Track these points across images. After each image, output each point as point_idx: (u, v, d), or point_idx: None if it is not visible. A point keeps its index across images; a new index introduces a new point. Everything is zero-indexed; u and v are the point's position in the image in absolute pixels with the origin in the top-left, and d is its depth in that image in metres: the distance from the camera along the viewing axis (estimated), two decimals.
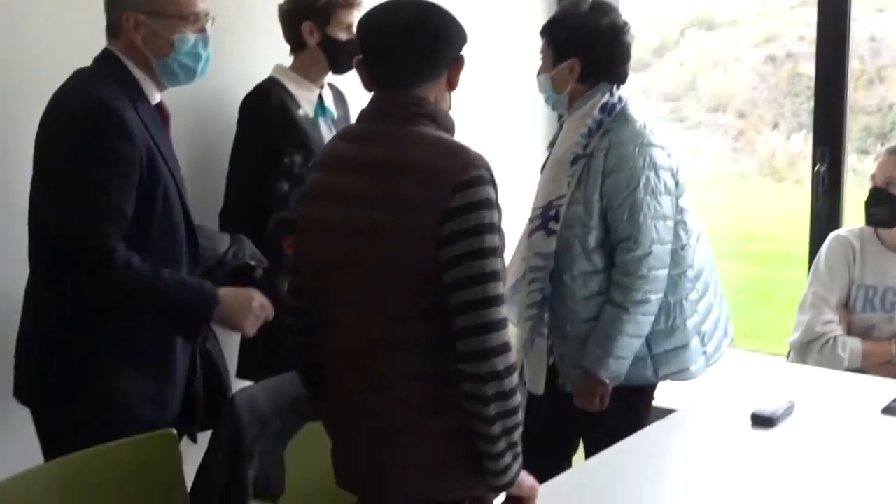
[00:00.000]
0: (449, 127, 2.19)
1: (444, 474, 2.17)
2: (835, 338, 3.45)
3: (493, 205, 2.07)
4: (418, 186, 2.05)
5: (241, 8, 3.52)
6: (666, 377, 3.07)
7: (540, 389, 3.05)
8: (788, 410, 2.88)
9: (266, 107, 3.28)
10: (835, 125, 4.25)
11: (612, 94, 2.97)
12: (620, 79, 3.04)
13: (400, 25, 2.15)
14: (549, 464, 2.84)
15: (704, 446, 2.73)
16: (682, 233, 3.00)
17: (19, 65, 2.92)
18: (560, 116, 3.22)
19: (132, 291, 2.46)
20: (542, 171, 3.16)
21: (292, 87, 3.32)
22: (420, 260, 2.05)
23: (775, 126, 9.67)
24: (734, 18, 10.47)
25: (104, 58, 2.57)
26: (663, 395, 3.30)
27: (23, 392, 2.64)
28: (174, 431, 2.54)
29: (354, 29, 3.24)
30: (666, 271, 2.93)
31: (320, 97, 3.38)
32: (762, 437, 2.76)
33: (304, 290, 2.28)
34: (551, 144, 3.18)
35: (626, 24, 3.02)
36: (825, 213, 4.26)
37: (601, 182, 2.90)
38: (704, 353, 3.10)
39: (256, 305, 2.63)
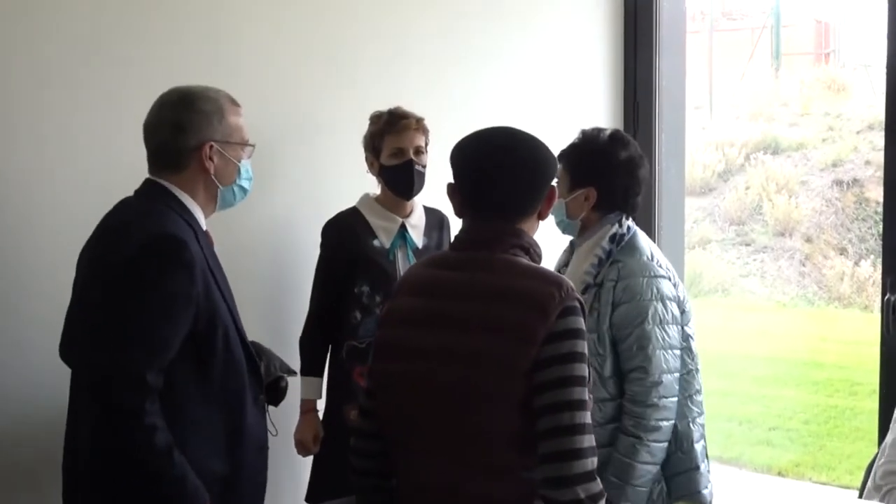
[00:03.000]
0: (537, 258, 2.21)
1: None
2: (892, 489, 3.36)
3: (584, 335, 2.08)
4: (525, 312, 2.06)
5: (335, 139, 3.59)
6: (679, 499, 3.02)
7: None
8: None
9: (337, 237, 3.32)
10: None
11: (620, 225, 3.02)
12: (632, 209, 3.09)
13: (506, 163, 2.18)
14: None
15: None
16: (687, 359, 3.01)
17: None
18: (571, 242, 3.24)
19: (141, 461, 2.35)
20: None
21: (371, 218, 3.35)
22: (518, 383, 2.04)
23: (842, 251, 9.59)
24: (800, 143, 10.50)
25: (154, 189, 2.51)
26: None
27: None
28: None
29: (412, 150, 3.32)
30: (676, 399, 2.94)
31: (403, 227, 3.40)
32: None
33: (379, 413, 2.25)
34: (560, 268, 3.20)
35: (642, 156, 3.10)
36: None
37: (611, 312, 2.93)
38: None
39: None
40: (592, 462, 2.02)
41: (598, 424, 2.92)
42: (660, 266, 2.97)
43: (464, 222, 2.22)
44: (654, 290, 2.92)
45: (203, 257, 2.44)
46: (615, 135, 3.08)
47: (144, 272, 2.35)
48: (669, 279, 2.97)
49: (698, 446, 3.00)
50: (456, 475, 2.12)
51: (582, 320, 2.07)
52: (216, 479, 2.46)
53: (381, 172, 3.31)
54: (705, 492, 3.02)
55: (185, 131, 2.47)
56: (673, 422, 2.92)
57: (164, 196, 2.48)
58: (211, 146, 2.47)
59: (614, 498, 2.86)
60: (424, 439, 2.16)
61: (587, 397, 2.04)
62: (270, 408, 2.87)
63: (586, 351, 2.07)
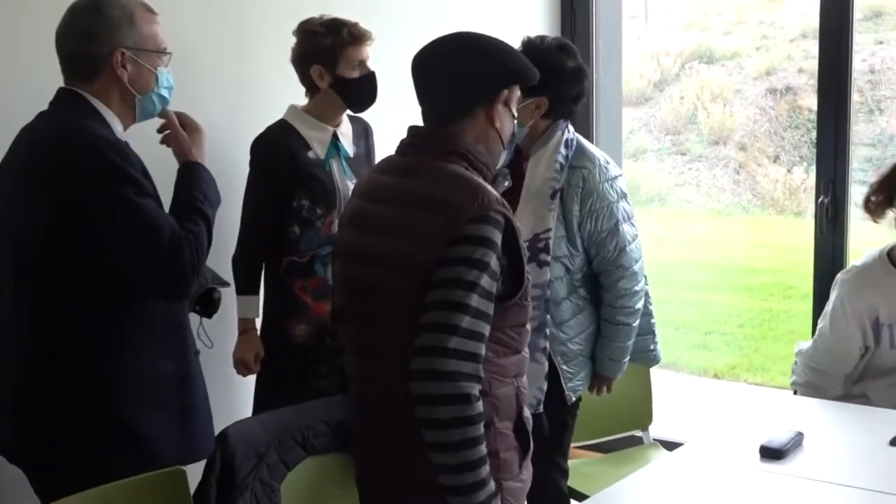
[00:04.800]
0: (482, 167, 2.22)
1: (429, 496, 2.14)
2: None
3: (492, 245, 2.08)
4: (439, 217, 2.11)
5: (259, 50, 3.56)
6: (635, 359, 3.38)
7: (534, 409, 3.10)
8: (797, 443, 2.85)
9: (272, 151, 3.28)
10: (838, 157, 4.25)
11: (568, 130, 3.17)
12: (572, 115, 3.26)
13: (432, 65, 2.23)
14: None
15: (713, 480, 2.70)
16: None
17: None
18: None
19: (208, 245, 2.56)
20: None
21: (303, 129, 3.30)
22: (421, 284, 2.09)
23: (776, 159, 9.68)
24: (734, 52, 10.51)
25: (69, 97, 2.47)
26: (669, 427, 3.28)
27: (21, 451, 2.50)
28: (184, 469, 2.49)
29: (367, 63, 3.28)
30: (645, 280, 3.25)
31: (335, 136, 3.35)
32: (771, 469, 2.73)
33: (336, 313, 2.38)
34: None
35: (585, 66, 3.24)
36: (829, 245, 4.24)
37: (579, 215, 3.10)
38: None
39: None
40: (457, 364, 2.01)
41: (568, 319, 3.20)
42: (613, 166, 3.19)
43: None
44: (618, 191, 3.15)
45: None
46: (563, 44, 3.19)
47: (106, 171, 2.37)
48: (622, 175, 3.21)
49: (651, 309, 3.39)
50: (379, 373, 2.23)
51: (495, 231, 2.08)
52: (173, 378, 2.54)
53: (338, 85, 3.25)
54: (655, 350, 3.44)
55: (94, 38, 2.43)
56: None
57: (80, 102, 2.44)
58: (123, 53, 2.43)
59: (614, 374, 3.28)
60: (358, 338, 2.28)
61: (473, 303, 2.04)
62: (206, 323, 2.88)
63: (491, 262, 2.06)
